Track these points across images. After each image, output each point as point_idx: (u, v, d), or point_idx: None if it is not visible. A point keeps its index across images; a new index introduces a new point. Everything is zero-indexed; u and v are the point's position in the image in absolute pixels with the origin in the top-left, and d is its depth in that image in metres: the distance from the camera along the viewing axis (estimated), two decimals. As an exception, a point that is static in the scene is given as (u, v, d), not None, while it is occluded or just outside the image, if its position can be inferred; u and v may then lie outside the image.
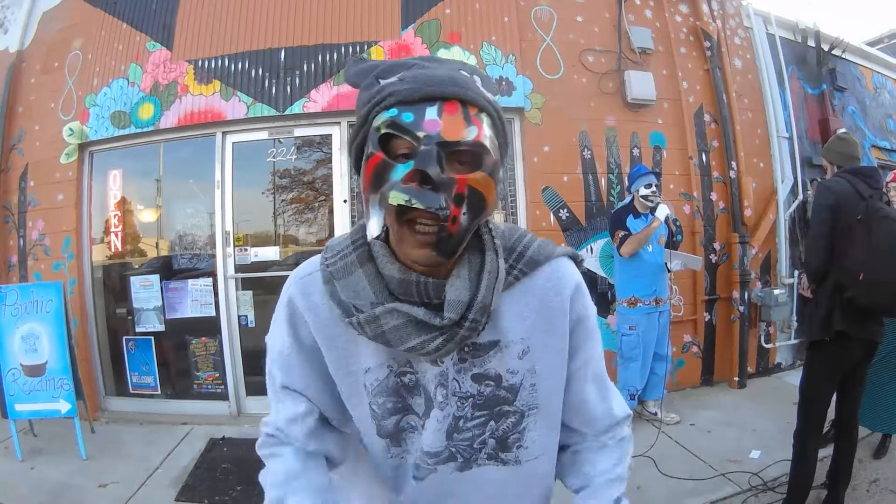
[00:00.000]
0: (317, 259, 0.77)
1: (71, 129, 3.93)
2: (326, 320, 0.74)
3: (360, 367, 0.75)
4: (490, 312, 0.70)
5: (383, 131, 0.64)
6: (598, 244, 3.78)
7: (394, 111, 0.64)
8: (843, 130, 2.57)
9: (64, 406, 3.13)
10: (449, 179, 0.63)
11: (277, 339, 0.78)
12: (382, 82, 0.67)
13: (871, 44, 7.41)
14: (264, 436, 0.81)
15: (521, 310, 0.75)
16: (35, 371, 3.18)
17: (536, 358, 0.76)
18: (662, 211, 3.21)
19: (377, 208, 0.65)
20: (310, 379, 0.77)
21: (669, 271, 3.32)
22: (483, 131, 0.65)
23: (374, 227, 0.66)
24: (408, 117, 0.63)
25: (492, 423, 0.77)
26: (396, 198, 0.62)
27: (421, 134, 0.62)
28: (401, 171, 0.63)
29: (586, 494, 0.82)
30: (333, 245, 0.76)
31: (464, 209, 0.64)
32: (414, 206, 0.62)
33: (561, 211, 3.74)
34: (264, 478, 0.80)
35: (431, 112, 0.63)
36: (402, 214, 0.64)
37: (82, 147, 3.95)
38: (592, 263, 3.79)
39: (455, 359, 0.74)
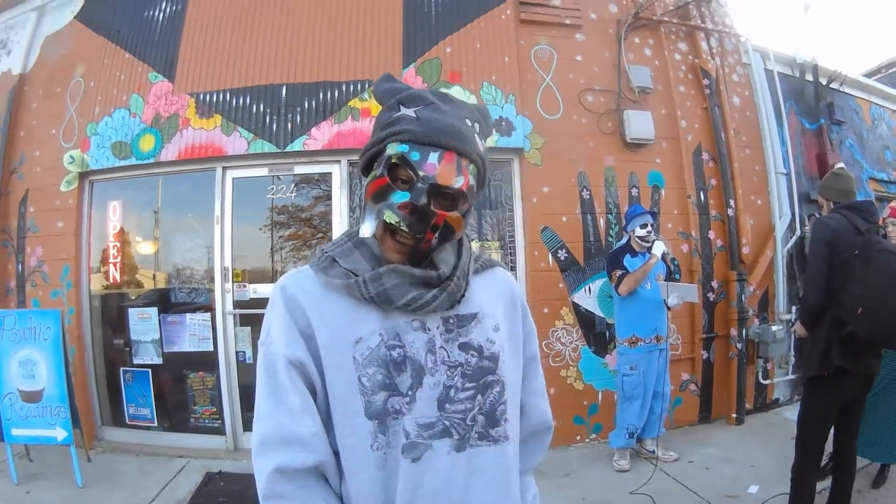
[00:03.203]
0: (301, 266, 0.90)
1: (72, 157, 3.94)
2: (319, 299, 0.83)
3: (350, 339, 0.81)
4: (468, 280, 0.87)
5: (394, 161, 0.80)
6: (597, 284, 3.78)
7: (405, 147, 0.80)
8: (839, 166, 2.59)
9: (60, 433, 3.13)
10: (431, 213, 0.79)
11: (276, 317, 0.83)
12: (402, 109, 0.83)
13: (869, 74, 7.44)
14: (270, 474, 0.75)
15: (490, 292, 0.93)
16: (32, 397, 3.18)
17: (504, 337, 0.91)
18: (659, 247, 3.22)
19: (373, 216, 0.81)
20: (308, 356, 0.80)
21: (668, 308, 3.30)
22: (468, 181, 0.82)
23: (367, 230, 0.82)
24: (415, 156, 0.79)
25: (479, 396, 0.84)
26: (390, 217, 0.79)
27: (421, 173, 0.79)
28: (399, 196, 0.79)
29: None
30: (327, 244, 0.90)
31: (436, 235, 0.82)
32: (401, 228, 0.79)
33: (560, 251, 3.74)
34: None
35: (433, 157, 0.79)
36: (390, 227, 0.81)
37: (83, 175, 3.96)
38: (590, 304, 3.78)
39: (441, 329, 0.85)
